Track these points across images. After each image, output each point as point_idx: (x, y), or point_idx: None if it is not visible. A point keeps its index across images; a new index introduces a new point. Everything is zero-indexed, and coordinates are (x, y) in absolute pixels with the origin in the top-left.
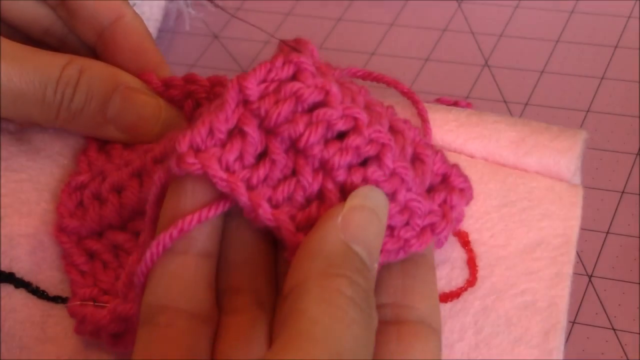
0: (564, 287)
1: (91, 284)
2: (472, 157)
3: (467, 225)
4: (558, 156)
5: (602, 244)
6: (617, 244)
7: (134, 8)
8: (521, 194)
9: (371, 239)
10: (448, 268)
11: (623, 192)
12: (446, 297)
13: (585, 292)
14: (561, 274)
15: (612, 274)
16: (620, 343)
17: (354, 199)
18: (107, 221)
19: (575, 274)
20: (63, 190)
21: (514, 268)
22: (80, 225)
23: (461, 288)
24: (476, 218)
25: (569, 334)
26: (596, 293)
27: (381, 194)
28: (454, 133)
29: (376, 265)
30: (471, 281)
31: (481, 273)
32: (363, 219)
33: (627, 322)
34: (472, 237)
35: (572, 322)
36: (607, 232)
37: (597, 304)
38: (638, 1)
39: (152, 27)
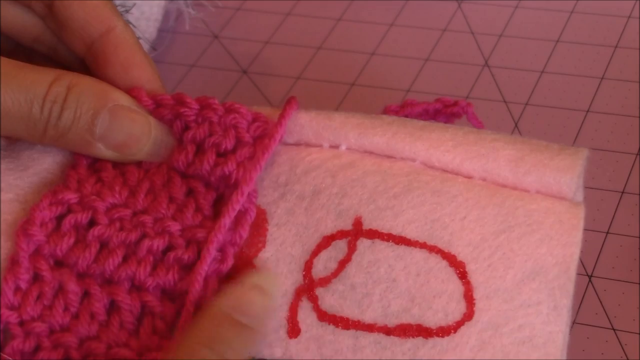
0: (562, 322)
1: (17, 305)
2: (470, 177)
3: (464, 254)
4: (559, 175)
5: (602, 244)
6: (617, 244)
7: (134, 8)
8: (520, 217)
9: None
10: (445, 301)
11: (623, 192)
12: (443, 331)
13: (585, 292)
14: (559, 307)
15: (612, 274)
16: (620, 343)
17: None
18: (73, 261)
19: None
20: (45, 195)
21: (512, 301)
22: (45, 243)
23: (458, 322)
24: (473, 246)
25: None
26: (596, 293)
27: None
28: (450, 153)
29: None
30: (468, 315)
31: (478, 306)
32: None
33: (627, 322)
34: (469, 267)
35: (572, 322)
36: (607, 232)
37: (597, 304)
38: (638, 1)
39: (152, 27)
